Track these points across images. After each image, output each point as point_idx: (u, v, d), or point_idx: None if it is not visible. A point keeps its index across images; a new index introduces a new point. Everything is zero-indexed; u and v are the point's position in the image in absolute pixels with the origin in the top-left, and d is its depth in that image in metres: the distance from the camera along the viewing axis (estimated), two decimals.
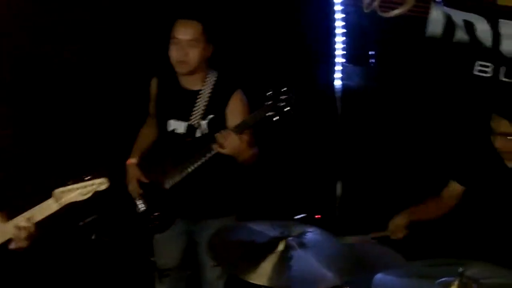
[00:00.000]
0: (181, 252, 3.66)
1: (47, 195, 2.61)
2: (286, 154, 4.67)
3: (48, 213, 2.57)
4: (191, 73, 3.32)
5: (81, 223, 3.62)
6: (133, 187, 3.47)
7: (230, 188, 3.54)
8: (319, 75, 4.45)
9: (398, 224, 3.29)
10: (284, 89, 3.06)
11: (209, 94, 3.33)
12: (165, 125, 3.42)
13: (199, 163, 3.23)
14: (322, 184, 4.55)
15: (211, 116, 3.32)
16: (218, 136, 3.11)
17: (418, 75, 3.85)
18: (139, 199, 3.47)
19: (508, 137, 3.00)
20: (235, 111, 3.30)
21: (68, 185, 2.58)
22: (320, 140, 4.55)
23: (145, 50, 4.29)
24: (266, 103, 3.09)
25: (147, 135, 3.62)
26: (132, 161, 3.51)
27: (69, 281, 4.17)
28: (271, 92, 3.08)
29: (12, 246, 2.59)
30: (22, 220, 2.55)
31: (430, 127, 3.97)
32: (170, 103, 3.42)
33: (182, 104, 3.36)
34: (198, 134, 3.35)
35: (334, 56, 4.34)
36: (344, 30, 4.27)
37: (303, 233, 2.78)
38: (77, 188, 2.57)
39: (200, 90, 3.35)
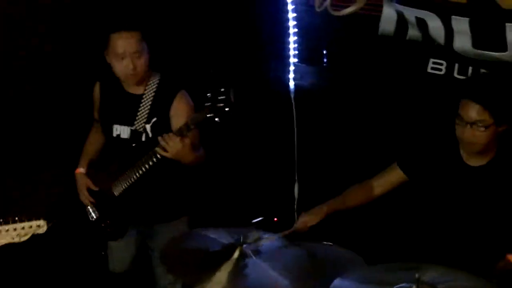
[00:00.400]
0: (133, 257, 3.66)
1: None
2: (242, 156, 4.63)
3: None
4: (139, 80, 3.30)
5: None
6: (84, 196, 3.45)
7: (179, 192, 3.51)
8: (273, 76, 4.41)
9: (307, 221, 3.20)
10: (222, 89, 3.01)
11: (152, 97, 3.29)
12: (110, 130, 3.37)
13: (145, 168, 3.20)
14: (279, 187, 4.50)
15: (154, 119, 3.28)
16: (160, 139, 3.08)
17: (372, 74, 3.82)
18: (91, 207, 3.46)
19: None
20: (179, 112, 3.26)
21: (3, 224, 2.39)
22: (276, 141, 4.51)
23: (87, 55, 4.20)
24: (205, 104, 3.04)
25: (93, 142, 3.58)
26: (81, 170, 3.47)
27: None
28: (209, 94, 3.03)
29: None
30: None
31: (385, 126, 3.94)
32: (114, 107, 3.38)
33: (126, 108, 3.32)
34: (143, 138, 3.30)
35: (288, 56, 4.31)
36: (296, 30, 4.23)
37: (258, 239, 2.73)
38: (14, 229, 2.38)
39: (143, 94, 3.31)
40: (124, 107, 3.33)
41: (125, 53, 3.14)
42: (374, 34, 3.59)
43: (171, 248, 2.82)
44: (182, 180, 3.49)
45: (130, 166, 3.25)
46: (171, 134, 3.09)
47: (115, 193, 3.34)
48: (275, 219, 4.33)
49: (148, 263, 3.67)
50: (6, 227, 2.38)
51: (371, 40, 3.66)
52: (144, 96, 3.30)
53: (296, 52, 4.26)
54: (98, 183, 3.42)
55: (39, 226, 2.42)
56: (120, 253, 3.64)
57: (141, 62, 3.20)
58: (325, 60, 4.12)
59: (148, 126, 3.29)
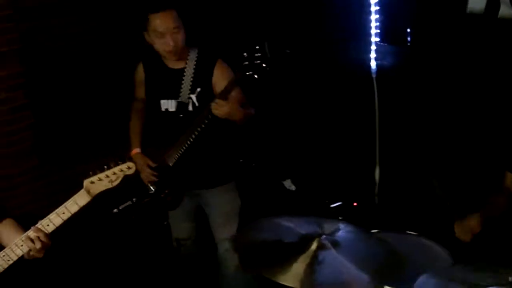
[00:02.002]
0: (191, 224, 3.83)
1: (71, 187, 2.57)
2: (322, 138, 4.54)
3: (81, 205, 2.54)
4: (180, 54, 3.48)
5: (115, 210, 3.64)
6: (147, 174, 3.55)
7: (228, 156, 3.69)
8: (354, 55, 4.28)
9: (471, 225, 3.05)
10: (257, 47, 3.19)
11: (193, 69, 3.48)
12: (158, 106, 3.54)
13: (196, 132, 3.37)
14: (359, 171, 4.38)
15: (198, 89, 3.46)
16: (208, 108, 3.28)
17: (459, 55, 3.63)
18: (151, 182, 3.57)
19: None
20: (221, 78, 3.42)
21: (96, 174, 2.53)
22: (356, 123, 4.38)
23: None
24: (243, 64, 3.22)
25: (138, 121, 3.73)
26: (137, 150, 3.62)
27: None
28: (245, 53, 3.20)
29: (26, 256, 2.58)
30: (32, 232, 2.53)
31: (475, 111, 3.73)
32: (159, 84, 3.55)
33: (170, 83, 3.50)
34: (190, 108, 3.48)
35: (369, 35, 4.16)
36: (378, 7, 4.08)
37: (337, 230, 2.59)
38: (106, 176, 2.53)
39: (184, 67, 3.49)
40: (168, 82, 3.51)
41: (165, 31, 3.32)
42: (462, 12, 3.45)
43: (244, 237, 2.74)
44: (230, 145, 3.68)
45: (180, 136, 3.42)
46: (216, 100, 3.27)
47: (169, 163, 3.48)
48: (355, 203, 4.23)
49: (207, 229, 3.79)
50: (98, 176, 2.52)
51: (458, 19, 3.51)
52: (185, 69, 3.49)
53: (378, 31, 4.12)
54: (153, 158, 3.56)
55: (129, 167, 2.56)
56: (181, 221, 3.83)
57: (180, 37, 3.38)
58: (409, 39, 3.98)
59: (193, 96, 3.47)
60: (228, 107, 3.27)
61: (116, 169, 2.54)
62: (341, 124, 4.49)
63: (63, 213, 2.54)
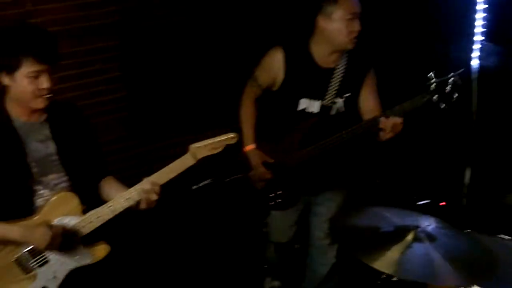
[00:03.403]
0: (295, 226, 3.69)
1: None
2: (414, 136, 4.48)
3: (185, 167, 2.68)
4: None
5: (195, 187, 3.76)
6: (260, 172, 3.38)
7: (350, 162, 3.52)
8: (455, 53, 4.18)
9: None
10: (450, 74, 2.87)
11: (343, 72, 3.22)
12: (295, 104, 3.28)
13: (338, 141, 3.16)
14: (449, 171, 4.30)
15: (348, 94, 3.24)
16: (383, 121, 3.04)
17: None
18: (262, 180, 3.40)
19: None
20: (372, 90, 3.25)
21: (202, 140, 2.67)
22: (451, 123, 4.31)
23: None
24: (429, 85, 2.91)
25: (253, 111, 3.45)
26: (251, 146, 3.41)
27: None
28: (432, 74, 2.90)
29: (141, 207, 2.70)
30: (148, 183, 2.66)
31: None
32: (303, 81, 3.26)
33: (316, 82, 3.24)
34: (332, 112, 3.27)
35: (472, 34, 4.07)
36: (486, 6, 3.97)
37: (432, 226, 2.61)
38: (210, 143, 2.67)
39: (335, 68, 3.24)
40: (315, 81, 3.24)
41: (353, 16, 3.09)
42: None
43: (344, 220, 2.78)
44: (357, 152, 3.49)
45: (317, 139, 3.20)
46: (395, 117, 3.03)
47: (292, 164, 3.30)
48: (443, 203, 4.17)
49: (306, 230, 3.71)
50: (204, 142, 2.67)
51: None
52: (335, 70, 3.23)
53: (484, 29, 4.02)
54: (271, 155, 3.37)
55: (232, 137, 2.70)
56: (285, 223, 3.66)
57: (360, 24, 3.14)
58: None
59: (340, 101, 3.24)
60: (401, 127, 3.03)
61: (220, 138, 2.69)
62: (434, 122, 4.42)
63: (170, 172, 2.68)
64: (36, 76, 2.54)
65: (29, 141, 2.67)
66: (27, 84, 2.54)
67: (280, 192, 3.37)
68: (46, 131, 2.71)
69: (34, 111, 2.65)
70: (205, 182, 3.92)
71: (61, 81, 4.13)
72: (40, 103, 2.60)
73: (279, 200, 3.39)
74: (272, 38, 3.41)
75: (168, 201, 3.95)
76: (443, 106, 2.88)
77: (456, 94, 2.85)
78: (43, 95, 2.57)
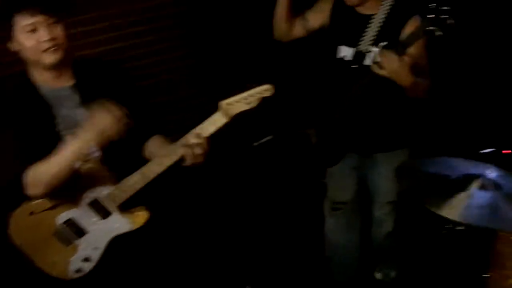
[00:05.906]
0: (353, 187, 3.59)
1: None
2: (475, 86, 4.51)
3: (218, 126, 2.55)
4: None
5: (255, 144, 3.79)
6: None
7: (402, 121, 3.36)
8: None
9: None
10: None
11: (383, 19, 3.09)
12: (334, 51, 3.23)
13: (362, 91, 3.08)
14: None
15: (384, 43, 3.09)
16: (377, 55, 2.95)
17: None
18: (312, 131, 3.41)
19: None
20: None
21: (233, 96, 2.54)
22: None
23: None
24: (427, 16, 2.78)
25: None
26: None
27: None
28: (433, 4, 2.76)
29: (188, 163, 2.58)
30: (191, 137, 2.55)
31: None
32: (342, 28, 3.21)
33: (353, 29, 3.15)
34: (367, 61, 3.14)
35: None
36: None
37: (498, 174, 2.68)
38: (243, 98, 2.52)
39: (373, 14, 3.12)
40: (352, 27, 3.15)
41: None
42: None
43: (410, 168, 2.87)
44: (405, 109, 3.31)
45: (350, 89, 3.14)
46: (389, 50, 2.90)
47: (335, 115, 3.23)
48: (506, 151, 4.21)
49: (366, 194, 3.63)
50: (237, 97, 2.53)
51: None
52: (373, 17, 3.11)
53: None
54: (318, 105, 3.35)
55: (267, 90, 2.54)
56: (339, 180, 3.58)
57: None
58: None
59: (374, 49, 3.10)
60: (397, 64, 2.87)
61: (253, 91, 2.54)
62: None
63: (198, 134, 2.54)
64: (32, 29, 2.47)
65: (59, 108, 2.58)
66: (25, 39, 2.48)
67: (326, 145, 3.33)
68: (76, 97, 2.62)
69: (59, 75, 2.58)
70: (266, 138, 3.95)
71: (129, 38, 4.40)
72: (47, 58, 2.51)
73: (326, 154, 3.38)
74: None
75: (230, 158, 4.11)
76: (439, 32, 2.77)
77: (453, 21, 2.73)
78: (48, 48, 2.48)
